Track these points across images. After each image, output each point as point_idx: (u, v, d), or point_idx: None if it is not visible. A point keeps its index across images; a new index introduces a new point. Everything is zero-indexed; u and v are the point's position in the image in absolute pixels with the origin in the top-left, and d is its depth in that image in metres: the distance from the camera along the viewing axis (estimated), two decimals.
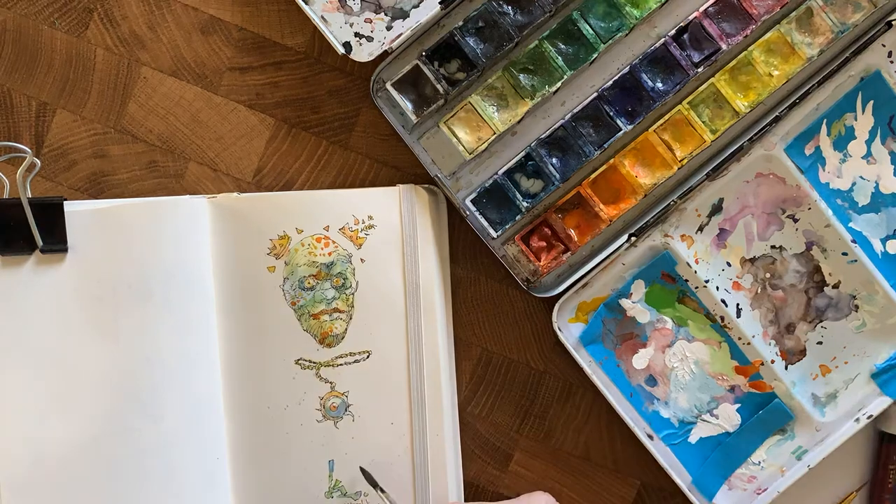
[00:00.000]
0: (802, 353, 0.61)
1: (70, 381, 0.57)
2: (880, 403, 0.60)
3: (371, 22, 0.58)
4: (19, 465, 0.57)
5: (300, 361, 0.59)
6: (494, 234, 0.59)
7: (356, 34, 0.58)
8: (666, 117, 0.60)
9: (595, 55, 0.59)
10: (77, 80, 0.60)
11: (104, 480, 0.57)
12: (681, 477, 0.60)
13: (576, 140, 0.59)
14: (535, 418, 0.62)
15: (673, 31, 0.59)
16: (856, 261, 0.60)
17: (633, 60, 0.59)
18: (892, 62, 0.59)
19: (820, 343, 0.61)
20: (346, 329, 0.59)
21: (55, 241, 0.57)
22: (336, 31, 0.58)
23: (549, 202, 0.60)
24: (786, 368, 0.61)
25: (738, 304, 0.61)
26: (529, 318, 0.62)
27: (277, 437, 0.59)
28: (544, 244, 0.60)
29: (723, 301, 0.60)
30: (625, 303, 0.61)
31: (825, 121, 0.60)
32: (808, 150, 0.60)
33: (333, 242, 0.59)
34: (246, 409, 0.58)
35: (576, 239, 0.60)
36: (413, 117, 0.59)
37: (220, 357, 0.58)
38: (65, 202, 0.57)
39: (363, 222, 0.59)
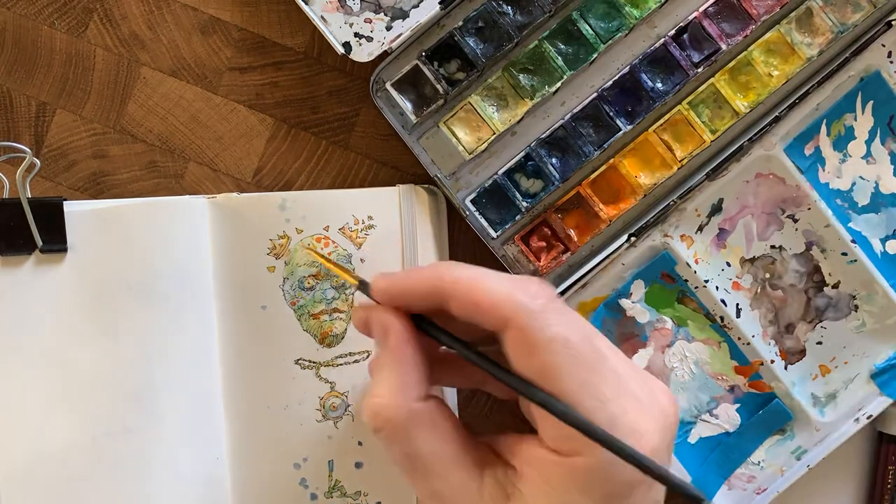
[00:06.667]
0: (802, 353, 0.61)
1: (70, 381, 0.57)
2: (880, 403, 0.60)
3: (371, 22, 0.58)
4: (18, 464, 0.57)
5: (300, 361, 0.59)
6: (494, 235, 0.59)
7: (356, 34, 0.58)
8: (666, 117, 0.60)
9: (595, 55, 0.59)
10: (77, 80, 0.60)
11: (104, 480, 0.57)
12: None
13: (576, 140, 0.59)
14: None
15: (673, 31, 0.59)
16: (855, 261, 0.60)
17: (633, 60, 0.59)
18: (892, 62, 0.59)
19: (820, 343, 0.61)
20: (345, 329, 0.59)
21: (55, 241, 0.57)
22: (336, 31, 0.58)
23: (548, 202, 0.60)
24: (785, 368, 0.61)
25: (737, 304, 0.61)
26: None
27: (277, 437, 0.59)
28: (544, 244, 0.60)
29: (722, 301, 0.60)
30: (625, 303, 0.61)
31: (825, 121, 0.60)
32: (808, 151, 0.60)
33: (333, 242, 0.59)
34: (246, 409, 0.58)
35: (575, 239, 0.60)
36: (413, 117, 0.59)
37: (219, 357, 0.58)
38: (65, 202, 0.57)
39: (363, 222, 0.59)
